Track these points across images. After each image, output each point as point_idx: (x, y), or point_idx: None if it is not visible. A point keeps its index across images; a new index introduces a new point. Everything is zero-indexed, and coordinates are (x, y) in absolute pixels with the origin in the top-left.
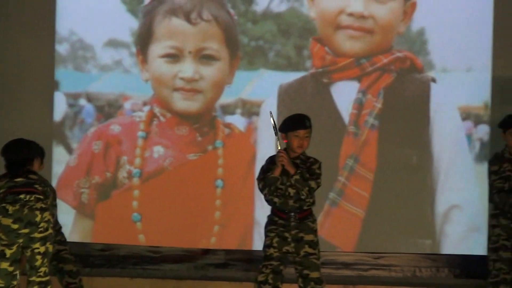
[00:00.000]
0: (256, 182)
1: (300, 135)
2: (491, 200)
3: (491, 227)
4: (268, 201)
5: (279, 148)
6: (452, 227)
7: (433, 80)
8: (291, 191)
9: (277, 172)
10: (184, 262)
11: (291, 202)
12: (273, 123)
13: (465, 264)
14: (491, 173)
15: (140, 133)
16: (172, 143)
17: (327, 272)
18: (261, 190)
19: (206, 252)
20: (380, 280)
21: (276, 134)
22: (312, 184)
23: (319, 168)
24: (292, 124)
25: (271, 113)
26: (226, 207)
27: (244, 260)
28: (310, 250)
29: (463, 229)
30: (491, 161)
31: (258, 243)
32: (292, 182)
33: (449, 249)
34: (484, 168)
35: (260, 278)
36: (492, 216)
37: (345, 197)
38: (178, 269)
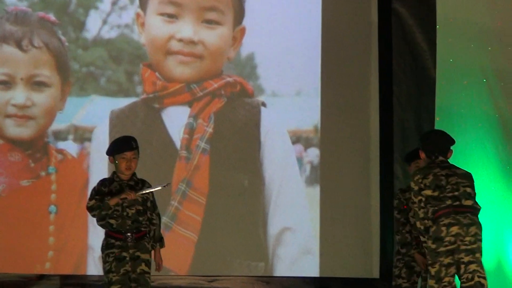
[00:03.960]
0: None
1: (127, 157)
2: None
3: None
4: (103, 225)
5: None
6: (285, 249)
7: (263, 105)
8: (129, 211)
9: (113, 202)
10: None
11: (128, 222)
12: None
13: (298, 286)
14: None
15: None
16: (5, 169)
17: None
18: (90, 209)
19: (41, 277)
20: None
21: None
22: (157, 217)
23: (153, 195)
24: (118, 147)
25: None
26: (60, 232)
27: (79, 285)
28: (146, 269)
29: (295, 251)
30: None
31: (92, 268)
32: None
33: (282, 272)
34: (315, 190)
35: None
36: None
37: (178, 221)
38: None
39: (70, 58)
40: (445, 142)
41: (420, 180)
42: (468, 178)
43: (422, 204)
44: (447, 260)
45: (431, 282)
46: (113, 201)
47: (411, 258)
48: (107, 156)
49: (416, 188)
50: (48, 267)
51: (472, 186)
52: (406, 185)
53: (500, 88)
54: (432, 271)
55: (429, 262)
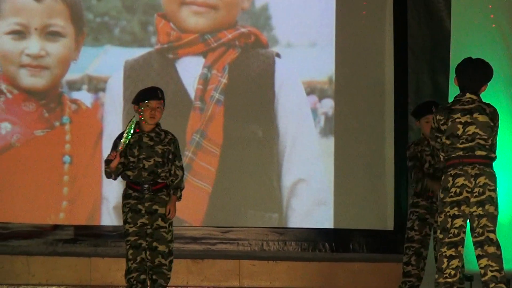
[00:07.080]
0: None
1: (151, 105)
2: None
3: None
4: (122, 176)
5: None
6: (298, 200)
7: (278, 55)
8: (146, 163)
9: (112, 166)
10: (33, 238)
11: (145, 174)
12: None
13: (312, 238)
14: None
15: None
16: (19, 119)
17: (176, 247)
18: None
19: (55, 227)
20: (228, 254)
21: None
22: (178, 169)
23: (177, 147)
24: (144, 95)
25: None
26: (74, 182)
27: (93, 235)
28: (162, 224)
29: (309, 202)
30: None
31: (106, 219)
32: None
33: (296, 223)
34: (329, 142)
35: (128, 255)
36: None
37: (192, 172)
38: (27, 245)
39: (84, 8)
40: (479, 76)
41: (441, 122)
42: (488, 127)
43: (440, 140)
44: (453, 211)
45: (438, 232)
46: (111, 166)
47: (425, 210)
48: (121, 106)
49: (435, 125)
50: (62, 218)
51: (490, 135)
52: (419, 139)
53: None
54: (439, 221)
55: (438, 212)
